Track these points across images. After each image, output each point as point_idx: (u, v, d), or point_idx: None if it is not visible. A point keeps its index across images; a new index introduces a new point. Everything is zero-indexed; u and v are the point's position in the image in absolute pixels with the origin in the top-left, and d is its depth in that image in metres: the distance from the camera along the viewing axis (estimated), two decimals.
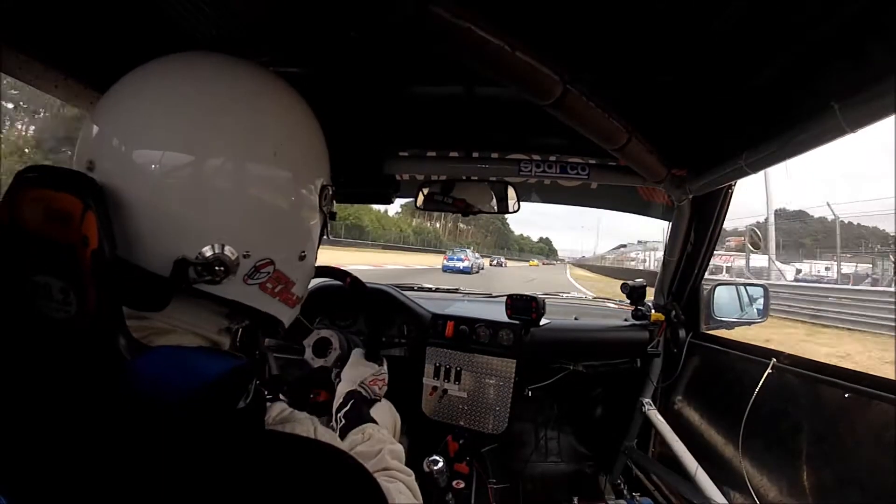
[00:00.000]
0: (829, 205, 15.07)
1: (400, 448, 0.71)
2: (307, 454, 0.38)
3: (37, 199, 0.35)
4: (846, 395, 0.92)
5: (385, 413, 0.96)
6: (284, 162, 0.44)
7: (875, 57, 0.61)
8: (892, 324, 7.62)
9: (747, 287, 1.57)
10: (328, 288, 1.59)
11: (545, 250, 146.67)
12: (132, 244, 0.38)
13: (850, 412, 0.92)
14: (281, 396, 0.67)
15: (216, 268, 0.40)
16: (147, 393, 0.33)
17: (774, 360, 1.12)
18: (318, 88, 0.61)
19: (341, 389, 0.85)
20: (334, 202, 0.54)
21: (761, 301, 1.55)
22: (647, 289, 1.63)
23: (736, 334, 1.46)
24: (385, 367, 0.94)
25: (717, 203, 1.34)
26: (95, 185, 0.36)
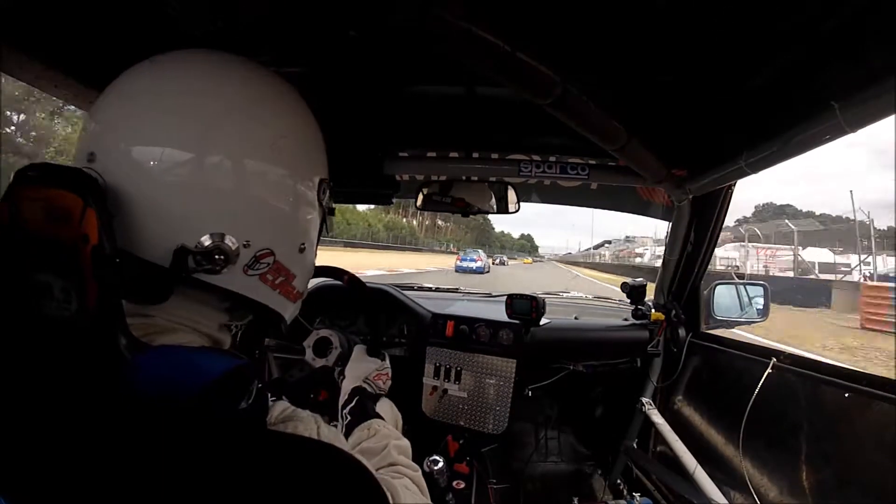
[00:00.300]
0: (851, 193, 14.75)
1: (406, 443, 0.71)
2: (308, 455, 0.38)
3: (37, 197, 0.35)
4: (846, 395, 0.92)
5: (387, 412, 0.96)
6: (282, 156, 0.45)
7: (875, 57, 0.61)
8: None
9: (747, 286, 1.57)
10: (327, 288, 1.60)
11: (527, 247, 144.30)
12: (132, 236, 0.39)
13: (850, 412, 0.92)
14: (282, 396, 0.68)
15: (216, 256, 0.40)
16: (147, 393, 0.33)
17: (774, 359, 1.12)
18: (318, 88, 0.61)
19: (346, 386, 0.85)
20: (332, 198, 0.54)
21: (761, 300, 1.55)
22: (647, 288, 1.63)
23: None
24: (388, 361, 0.94)
25: (717, 203, 1.34)
26: (95, 181, 0.36)
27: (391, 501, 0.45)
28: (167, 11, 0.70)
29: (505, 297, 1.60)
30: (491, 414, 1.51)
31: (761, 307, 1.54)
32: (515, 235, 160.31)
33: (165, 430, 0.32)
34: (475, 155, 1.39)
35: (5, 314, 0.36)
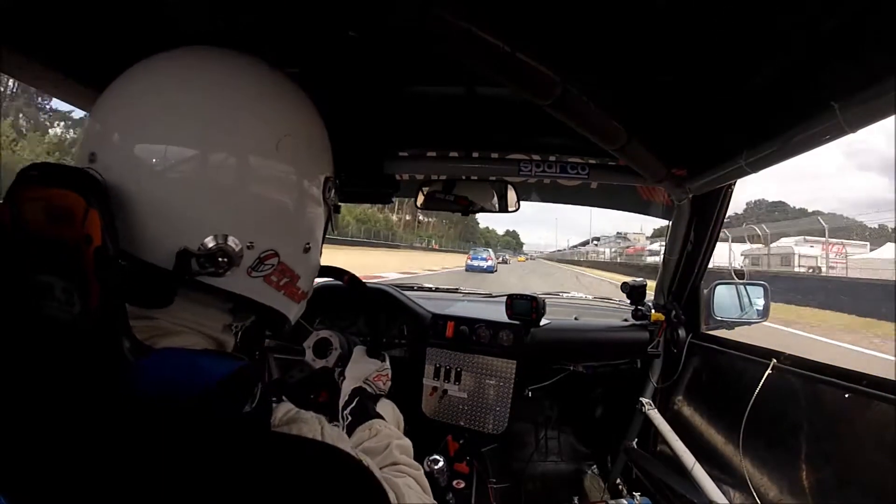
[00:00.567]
0: None
1: (408, 443, 0.71)
2: (312, 457, 0.38)
3: (39, 197, 0.35)
4: (846, 396, 0.92)
5: (389, 413, 0.96)
6: (287, 154, 0.44)
7: (875, 57, 0.61)
8: None
9: (748, 286, 1.57)
10: (327, 288, 1.59)
11: (512, 244, 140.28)
12: (135, 237, 0.38)
13: (850, 412, 0.92)
14: (283, 398, 0.68)
15: (219, 259, 0.40)
16: (150, 395, 0.33)
17: (775, 360, 1.12)
18: (318, 88, 0.61)
19: (346, 387, 0.85)
20: (338, 195, 0.54)
21: (762, 300, 1.54)
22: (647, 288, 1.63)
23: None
24: (388, 362, 0.94)
25: (717, 203, 1.34)
26: (98, 181, 0.36)
27: (394, 502, 0.45)
28: (167, 11, 0.70)
29: (505, 297, 1.60)
30: (491, 414, 1.51)
31: (762, 307, 1.54)
32: (500, 232, 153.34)
33: (168, 432, 0.32)
34: (475, 154, 1.39)
35: (7, 315, 0.36)
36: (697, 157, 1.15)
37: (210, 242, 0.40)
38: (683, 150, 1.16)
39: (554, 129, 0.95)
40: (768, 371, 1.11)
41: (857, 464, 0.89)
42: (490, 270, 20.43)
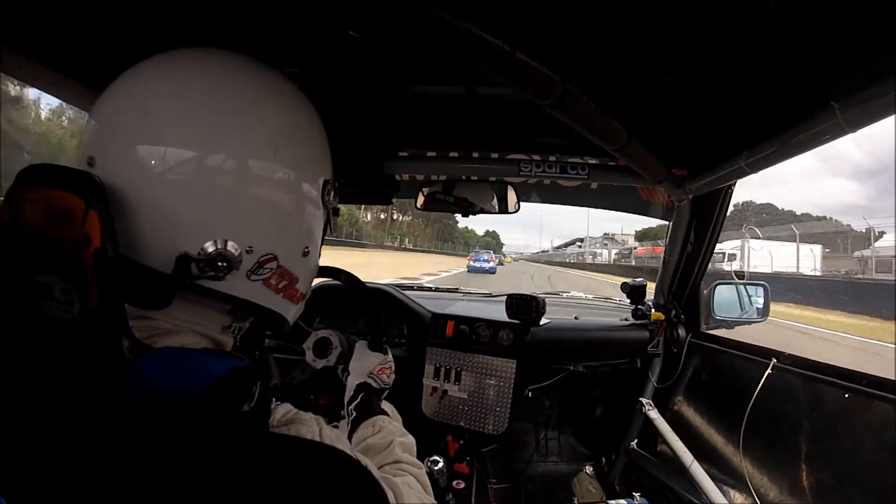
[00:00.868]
0: None
1: (411, 440, 0.71)
2: (310, 458, 0.38)
3: (38, 198, 0.35)
4: (846, 395, 0.92)
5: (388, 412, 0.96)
6: (286, 158, 0.44)
7: (875, 57, 0.61)
8: None
9: (747, 286, 1.57)
10: (326, 289, 1.60)
11: (492, 244, 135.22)
12: (134, 241, 0.38)
13: (850, 412, 0.92)
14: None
15: (219, 263, 0.40)
16: (149, 394, 0.33)
17: (774, 360, 1.12)
18: (317, 88, 0.61)
19: (351, 382, 0.85)
20: (336, 198, 0.53)
21: (761, 300, 1.55)
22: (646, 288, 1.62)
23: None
24: (390, 355, 0.94)
25: (717, 203, 1.34)
26: (97, 183, 0.36)
27: (393, 502, 0.45)
28: (167, 11, 0.70)
29: (505, 297, 1.60)
30: (491, 414, 1.51)
31: (761, 307, 1.54)
32: (480, 232, 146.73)
33: (167, 431, 0.32)
34: (475, 155, 1.39)
35: (6, 315, 0.36)
36: (697, 157, 1.15)
37: (210, 247, 0.40)
38: (683, 150, 1.16)
39: (554, 129, 0.95)
40: (768, 371, 1.11)
41: (857, 464, 0.89)
42: (491, 271, 21.25)
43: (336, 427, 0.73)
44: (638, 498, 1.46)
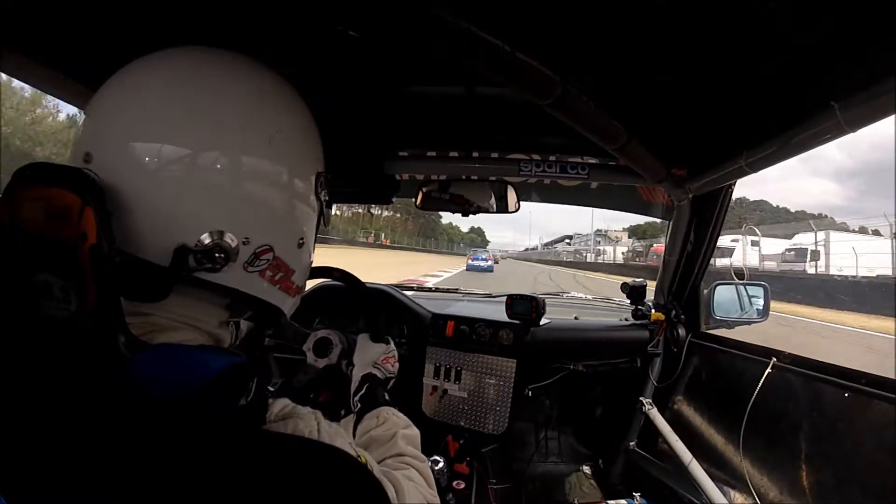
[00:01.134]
0: None
1: (415, 433, 0.71)
2: (307, 457, 0.38)
3: (35, 196, 0.35)
4: (846, 395, 0.92)
5: None
6: (280, 151, 0.45)
7: (875, 57, 0.61)
8: None
9: (748, 286, 1.57)
10: (325, 289, 1.60)
11: (477, 241, 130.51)
12: (131, 235, 0.38)
13: (850, 412, 0.92)
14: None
15: (216, 255, 0.40)
16: (146, 391, 0.33)
17: (774, 359, 1.12)
18: (318, 88, 0.61)
19: (356, 374, 0.86)
20: (328, 191, 0.54)
21: (761, 300, 1.55)
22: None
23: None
24: (393, 344, 0.95)
25: (717, 203, 1.34)
26: (93, 180, 0.36)
27: (393, 498, 0.45)
28: (167, 11, 0.70)
29: (505, 297, 1.60)
30: (491, 414, 1.51)
31: (761, 307, 1.54)
32: (465, 229, 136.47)
33: (164, 428, 0.32)
34: (475, 154, 1.39)
35: (5, 314, 0.36)
36: (697, 157, 1.15)
37: (206, 239, 0.40)
38: (683, 150, 1.16)
39: (554, 129, 0.95)
40: (768, 370, 1.11)
41: (857, 464, 0.89)
42: (489, 270, 22.11)
43: (334, 424, 0.74)
44: (638, 498, 1.46)
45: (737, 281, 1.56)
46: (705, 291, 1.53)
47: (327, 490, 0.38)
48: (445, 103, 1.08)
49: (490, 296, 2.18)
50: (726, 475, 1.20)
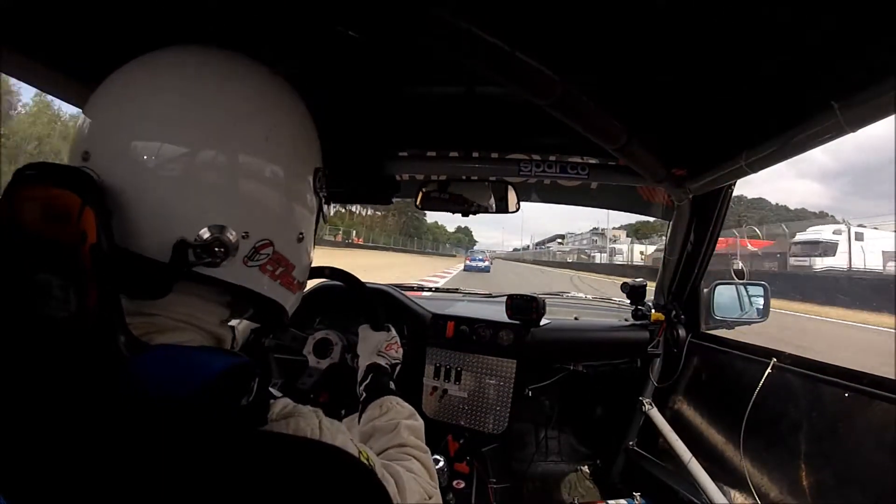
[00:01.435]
0: None
1: (419, 423, 0.71)
2: (308, 457, 0.38)
3: (35, 196, 0.35)
4: (846, 395, 0.92)
5: None
6: (277, 146, 0.46)
7: (875, 57, 0.61)
8: None
9: (748, 286, 1.57)
10: (326, 289, 1.60)
11: (464, 241, 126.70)
12: (131, 233, 0.39)
13: (850, 412, 0.92)
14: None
15: (215, 249, 0.40)
16: (147, 392, 0.33)
17: (775, 359, 1.12)
18: (318, 88, 0.61)
19: (361, 364, 0.87)
20: (327, 186, 0.54)
21: (761, 300, 1.55)
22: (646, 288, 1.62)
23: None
24: (394, 331, 0.96)
25: (717, 203, 1.34)
26: (93, 179, 0.36)
27: (394, 494, 0.45)
28: (167, 11, 0.70)
29: (505, 297, 1.60)
30: (491, 414, 1.51)
31: (761, 307, 1.54)
32: (451, 229, 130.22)
33: (165, 429, 0.32)
34: (475, 154, 1.39)
35: (5, 315, 0.36)
36: (697, 157, 1.15)
37: (206, 233, 0.40)
38: (683, 150, 1.16)
39: (554, 129, 0.95)
40: (768, 370, 1.11)
41: (857, 464, 0.89)
42: (486, 270, 23.52)
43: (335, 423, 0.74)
44: (638, 497, 1.46)
45: (737, 281, 1.55)
46: (705, 291, 1.53)
47: (328, 490, 0.38)
48: (445, 103, 1.08)
49: (490, 296, 2.18)
50: (726, 475, 1.20)
